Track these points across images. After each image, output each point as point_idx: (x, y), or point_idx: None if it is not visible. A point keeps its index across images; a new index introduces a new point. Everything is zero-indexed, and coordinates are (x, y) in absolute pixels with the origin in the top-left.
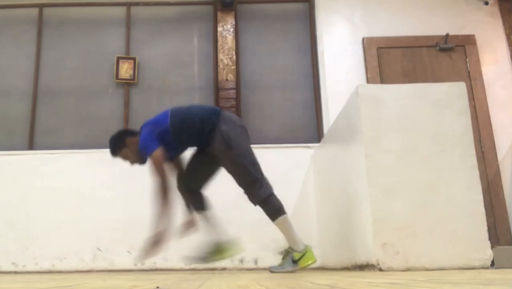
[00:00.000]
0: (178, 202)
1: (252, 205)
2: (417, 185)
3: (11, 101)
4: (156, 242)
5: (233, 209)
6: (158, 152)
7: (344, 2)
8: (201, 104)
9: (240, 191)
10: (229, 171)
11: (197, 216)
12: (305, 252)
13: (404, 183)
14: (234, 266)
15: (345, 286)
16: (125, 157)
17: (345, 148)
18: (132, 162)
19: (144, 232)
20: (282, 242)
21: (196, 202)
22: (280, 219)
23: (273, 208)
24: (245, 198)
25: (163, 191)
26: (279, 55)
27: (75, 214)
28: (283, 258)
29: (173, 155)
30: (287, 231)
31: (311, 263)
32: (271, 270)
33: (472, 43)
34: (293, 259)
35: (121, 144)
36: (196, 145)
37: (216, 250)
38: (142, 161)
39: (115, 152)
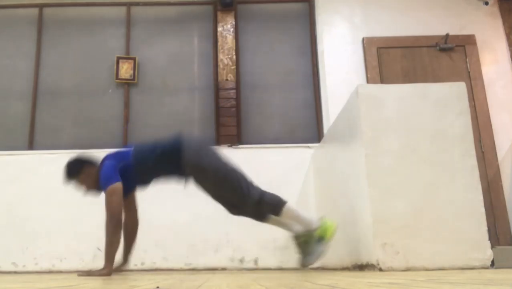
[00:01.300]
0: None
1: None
2: (417, 185)
3: (11, 101)
4: (95, 275)
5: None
6: (118, 185)
7: (344, 2)
8: (162, 138)
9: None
10: (215, 191)
11: (125, 264)
12: (323, 224)
13: (404, 183)
14: (234, 266)
15: (345, 286)
16: (80, 185)
17: (345, 148)
18: (86, 190)
19: (144, 232)
20: (283, 242)
21: (254, 215)
22: (285, 209)
23: (272, 203)
24: None
25: (115, 225)
26: (279, 55)
27: (75, 214)
28: (306, 247)
29: (129, 191)
30: (296, 217)
31: (335, 228)
32: (305, 264)
33: (472, 43)
34: (317, 238)
35: (78, 171)
36: (166, 177)
37: (312, 241)
38: (96, 192)
39: (70, 178)
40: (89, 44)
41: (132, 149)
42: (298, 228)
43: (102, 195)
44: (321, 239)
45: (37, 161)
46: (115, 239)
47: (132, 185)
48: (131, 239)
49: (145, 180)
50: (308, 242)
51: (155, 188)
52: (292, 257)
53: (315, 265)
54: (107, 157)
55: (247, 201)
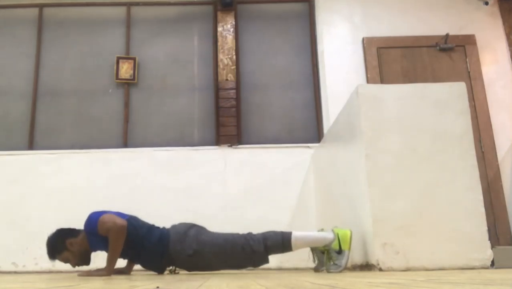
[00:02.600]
0: None
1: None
2: (417, 185)
3: (11, 101)
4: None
5: (233, 209)
6: (108, 214)
7: (344, 2)
8: (154, 228)
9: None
10: (221, 266)
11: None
12: (337, 236)
13: (404, 183)
14: None
15: (345, 286)
16: (66, 260)
17: (345, 148)
18: (74, 264)
19: None
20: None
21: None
22: (293, 242)
23: (278, 244)
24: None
25: (117, 231)
26: (279, 55)
27: (75, 214)
28: (327, 260)
29: (96, 250)
30: (308, 241)
31: (351, 236)
32: (328, 270)
33: (472, 43)
34: (336, 251)
35: (61, 246)
36: (142, 265)
37: (332, 254)
38: (85, 262)
39: (53, 256)
40: (89, 44)
41: (128, 216)
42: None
43: (91, 264)
44: (340, 251)
45: (37, 161)
46: (118, 244)
47: (103, 248)
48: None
49: (125, 253)
50: (329, 255)
51: (156, 188)
52: (292, 257)
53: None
54: (93, 212)
55: (256, 257)
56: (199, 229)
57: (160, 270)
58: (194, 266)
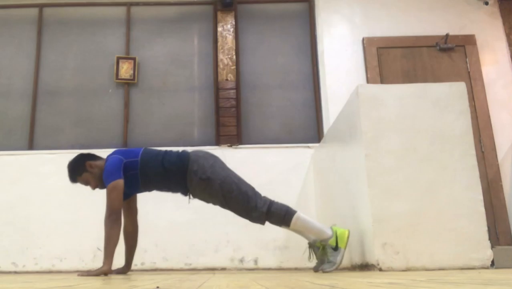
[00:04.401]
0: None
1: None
2: (417, 185)
3: (11, 101)
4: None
5: None
6: (119, 182)
7: (344, 2)
8: (171, 150)
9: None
10: (222, 204)
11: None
12: (335, 233)
13: (404, 183)
14: (234, 266)
15: (345, 286)
16: (86, 182)
17: (345, 148)
18: (94, 186)
19: (144, 232)
20: (283, 242)
21: (263, 223)
22: (294, 220)
23: (281, 214)
24: None
25: (114, 220)
26: (279, 55)
27: (75, 214)
28: (322, 255)
29: (131, 192)
30: (307, 227)
31: (348, 235)
32: (324, 270)
33: (472, 43)
34: (332, 247)
35: (81, 168)
36: (170, 189)
37: (328, 250)
38: (104, 185)
39: (74, 177)
40: (89, 44)
41: (142, 150)
42: (311, 237)
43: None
44: (336, 248)
45: (37, 161)
46: (114, 234)
47: (134, 186)
48: (132, 243)
49: (147, 184)
50: (324, 251)
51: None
52: (292, 257)
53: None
54: (115, 152)
55: (255, 213)
56: (219, 161)
57: (185, 189)
58: (201, 192)
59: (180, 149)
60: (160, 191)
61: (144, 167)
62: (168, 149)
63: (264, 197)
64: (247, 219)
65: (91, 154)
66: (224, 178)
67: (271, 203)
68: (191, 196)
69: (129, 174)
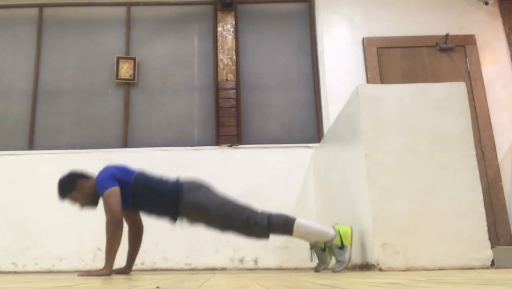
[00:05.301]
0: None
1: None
2: (417, 185)
3: (11, 101)
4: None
5: None
6: (115, 188)
7: (344, 2)
8: (164, 179)
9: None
10: (222, 228)
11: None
12: (338, 232)
13: (404, 183)
14: (234, 266)
15: (345, 286)
16: (75, 200)
17: (345, 148)
18: (82, 205)
19: (144, 232)
20: (283, 242)
21: (266, 238)
22: (295, 227)
23: (282, 223)
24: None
25: (115, 225)
26: (279, 55)
27: (75, 214)
28: (331, 256)
29: (125, 207)
30: (310, 232)
31: (351, 232)
32: (334, 270)
33: (472, 43)
34: (338, 246)
35: (71, 186)
36: (159, 215)
37: (335, 250)
38: (93, 204)
39: (63, 194)
40: (89, 44)
41: (136, 173)
42: (313, 239)
43: (99, 206)
44: (342, 246)
45: (37, 161)
46: (115, 239)
47: (127, 202)
48: (135, 245)
49: (137, 206)
50: (331, 251)
51: None
52: (292, 257)
53: (314, 265)
54: (108, 165)
55: (257, 229)
56: (211, 188)
57: (174, 217)
58: (198, 219)
59: (180, 149)
60: (147, 214)
61: (135, 190)
62: (161, 175)
63: (262, 211)
64: (251, 238)
65: (82, 173)
66: (219, 202)
67: (269, 216)
68: (181, 221)
69: (120, 189)
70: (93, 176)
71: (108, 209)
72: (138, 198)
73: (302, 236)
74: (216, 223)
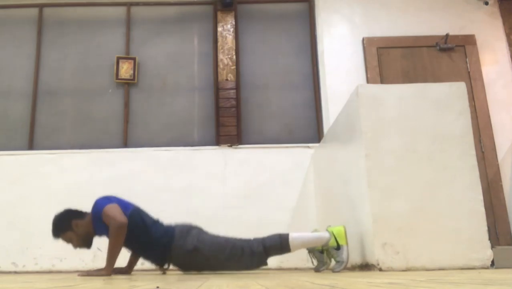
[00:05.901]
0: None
1: (253, 206)
2: (417, 185)
3: (11, 101)
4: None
5: (233, 209)
6: (114, 204)
7: (344, 2)
8: (159, 222)
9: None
10: (219, 267)
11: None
12: (332, 233)
13: (404, 183)
14: None
15: (345, 286)
16: (69, 240)
17: (345, 148)
18: (76, 245)
19: None
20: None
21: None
22: (291, 242)
23: (277, 244)
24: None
25: (118, 228)
26: (279, 55)
27: None
28: (329, 258)
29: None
30: (305, 242)
31: (345, 231)
32: (334, 271)
33: (472, 43)
34: (335, 248)
35: (66, 226)
36: (147, 257)
37: (332, 252)
38: (87, 246)
39: (57, 234)
40: (89, 44)
41: (133, 206)
42: (312, 247)
43: (93, 248)
44: (338, 247)
45: (37, 161)
46: (118, 243)
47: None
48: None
49: (127, 243)
50: (329, 254)
51: (156, 188)
52: (292, 257)
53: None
54: (105, 195)
55: (255, 257)
56: (201, 229)
57: (162, 263)
58: (192, 264)
59: (180, 149)
60: (134, 253)
61: (129, 227)
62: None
63: (254, 238)
64: (252, 268)
65: (78, 211)
66: (212, 241)
67: (263, 240)
68: (169, 266)
69: None
70: (88, 212)
71: (110, 217)
72: (131, 235)
73: (299, 248)
74: (212, 262)
